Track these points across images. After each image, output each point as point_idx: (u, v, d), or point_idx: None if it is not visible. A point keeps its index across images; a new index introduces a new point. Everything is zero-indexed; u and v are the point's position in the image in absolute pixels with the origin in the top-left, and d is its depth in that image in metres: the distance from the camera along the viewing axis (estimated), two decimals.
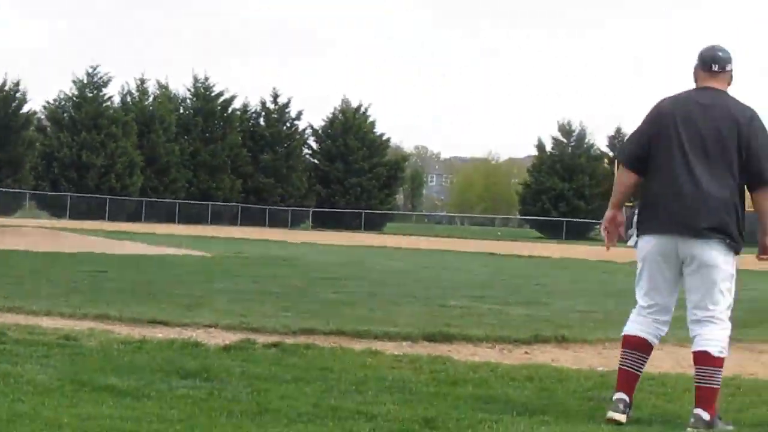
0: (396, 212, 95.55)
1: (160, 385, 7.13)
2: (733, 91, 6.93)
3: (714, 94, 6.83)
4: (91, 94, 76.75)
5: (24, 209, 74.05)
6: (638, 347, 6.86)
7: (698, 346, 6.70)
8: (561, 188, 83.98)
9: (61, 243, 28.28)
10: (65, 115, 76.47)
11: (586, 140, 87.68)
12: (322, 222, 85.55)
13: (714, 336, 6.69)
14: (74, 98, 76.63)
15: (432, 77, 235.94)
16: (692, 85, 6.98)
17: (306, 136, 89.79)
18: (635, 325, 6.93)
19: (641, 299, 6.96)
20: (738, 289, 7.10)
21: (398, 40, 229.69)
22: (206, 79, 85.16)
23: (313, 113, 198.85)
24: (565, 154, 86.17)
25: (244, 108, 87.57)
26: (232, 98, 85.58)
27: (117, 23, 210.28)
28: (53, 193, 73.45)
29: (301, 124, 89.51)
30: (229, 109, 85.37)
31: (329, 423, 6.18)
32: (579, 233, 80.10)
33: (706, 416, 6.57)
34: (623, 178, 7.00)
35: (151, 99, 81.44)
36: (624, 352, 6.89)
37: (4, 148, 72.61)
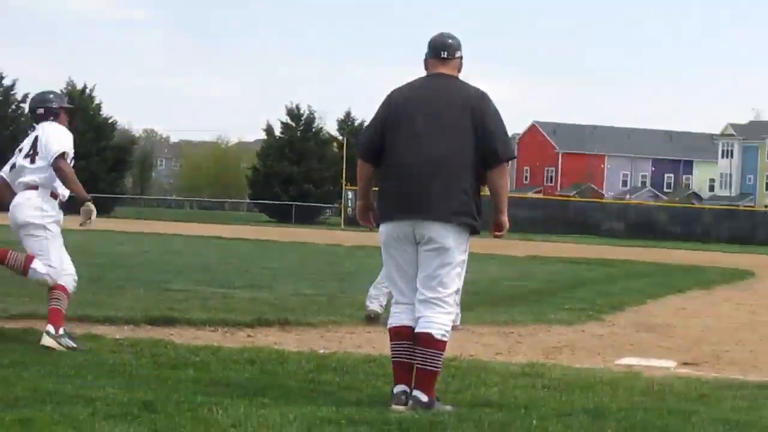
0: (125, 196, 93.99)
1: None
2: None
3: (445, 80, 7.02)
4: None
5: None
6: (405, 337, 6.94)
7: (422, 328, 6.85)
8: (290, 172, 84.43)
9: None
10: None
11: (315, 124, 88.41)
12: None
13: (438, 319, 6.86)
14: None
15: (157, 59, 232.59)
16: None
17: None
18: (398, 316, 7.03)
19: (394, 290, 7.11)
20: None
21: (122, 22, 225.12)
22: None
23: None
24: (295, 138, 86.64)
25: None
26: None
27: None
28: None
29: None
30: None
31: (47, 407, 6.15)
32: (309, 217, 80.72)
33: (424, 398, 6.79)
34: (362, 170, 7.16)
35: None
36: (393, 344, 6.99)
37: None
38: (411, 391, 6.86)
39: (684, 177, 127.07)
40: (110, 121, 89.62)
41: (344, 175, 61.13)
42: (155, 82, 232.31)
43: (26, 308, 11.05)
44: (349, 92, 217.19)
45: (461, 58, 7.13)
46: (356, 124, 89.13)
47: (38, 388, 6.73)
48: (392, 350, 7.03)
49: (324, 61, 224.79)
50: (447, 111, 6.88)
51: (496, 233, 7.10)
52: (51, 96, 9.36)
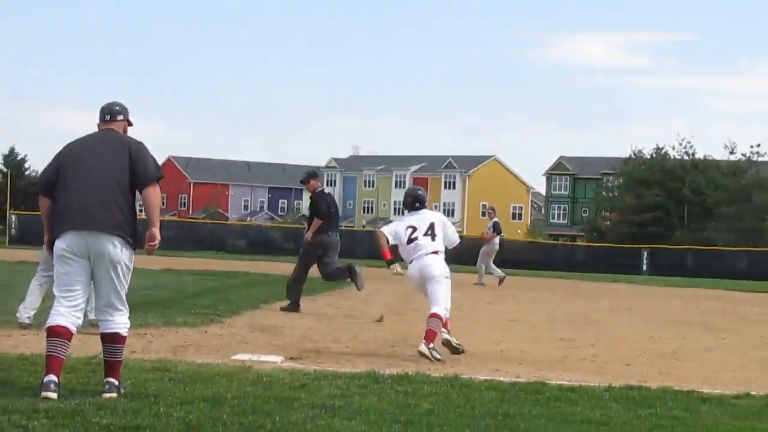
0: None
1: None
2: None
3: (110, 132, 7.67)
4: None
5: None
6: (62, 335, 7.25)
7: (109, 329, 7.42)
8: None
9: None
10: None
11: None
12: None
13: (122, 321, 7.49)
14: None
15: None
16: None
17: None
18: (58, 317, 7.30)
19: (61, 294, 7.37)
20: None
21: None
22: None
23: None
24: None
25: None
26: None
27: None
28: None
29: None
30: None
31: None
32: None
33: (116, 382, 7.30)
34: (42, 204, 7.61)
35: None
36: (50, 341, 7.24)
37: None
38: (59, 381, 7.13)
39: (296, 202, 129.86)
40: None
41: (8, 202, 59.25)
42: None
43: None
44: (12, 131, 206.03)
45: (125, 120, 7.76)
46: (18, 158, 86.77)
47: None
48: (48, 345, 7.26)
49: None
50: (110, 151, 7.52)
51: (150, 243, 7.57)
52: None
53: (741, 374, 10.90)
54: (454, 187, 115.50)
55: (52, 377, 7.09)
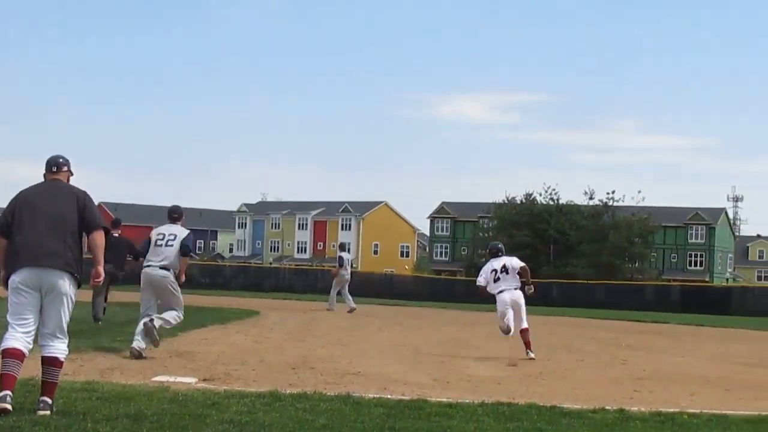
0: None
1: None
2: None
3: (58, 182, 7.81)
4: None
5: None
6: (16, 356, 7.32)
7: (50, 353, 7.47)
8: None
9: None
10: None
11: None
12: None
13: (62, 347, 7.54)
14: None
15: None
16: None
17: None
18: (13, 341, 7.37)
19: (15, 321, 7.44)
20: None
21: None
22: None
23: None
24: None
25: None
26: None
27: None
28: None
29: None
30: None
31: None
32: None
33: (50, 401, 7.34)
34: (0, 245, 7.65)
35: None
36: (5, 361, 7.32)
37: None
38: (12, 394, 7.23)
39: (211, 242, 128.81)
40: None
41: None
42: None
43: None
44: None
45: (69, 171, 7.91)
46: None
47: None
48: (3, 364, 7.34)
49: None
50: (60, 198, 7.68)
51: (95, 280, 7.76)
52: None
53: (597, 391, 11.05)
54: (349, 229, 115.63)
55: (8, 392, 7.17)
